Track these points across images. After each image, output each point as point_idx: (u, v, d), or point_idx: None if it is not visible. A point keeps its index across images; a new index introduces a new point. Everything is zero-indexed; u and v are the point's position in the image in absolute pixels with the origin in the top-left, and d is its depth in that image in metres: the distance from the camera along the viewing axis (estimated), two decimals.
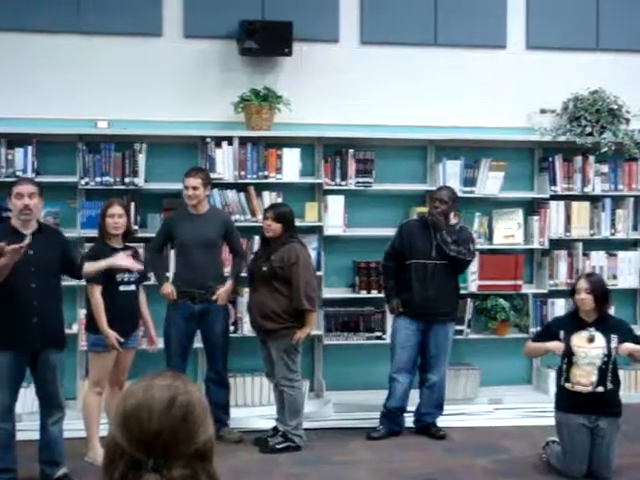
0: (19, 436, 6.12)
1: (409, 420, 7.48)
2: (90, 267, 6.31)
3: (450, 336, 7.47)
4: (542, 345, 6.61)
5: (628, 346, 6.35)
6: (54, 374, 6.06)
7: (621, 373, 6.58)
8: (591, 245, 8.66)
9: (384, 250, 7.56)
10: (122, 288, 6.63)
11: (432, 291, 7.26)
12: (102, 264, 6.29)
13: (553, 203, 8.53)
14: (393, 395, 7.35)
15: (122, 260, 6.35)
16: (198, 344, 7.45)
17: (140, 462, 1.95)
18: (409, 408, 7.47)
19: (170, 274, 7.49)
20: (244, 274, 7.42)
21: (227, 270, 7.51)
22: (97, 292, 6.53)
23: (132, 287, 6.70)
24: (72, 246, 6.58)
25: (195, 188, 7.13)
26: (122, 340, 6.56)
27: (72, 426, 6.58)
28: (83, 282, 6.76)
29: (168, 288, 7.18)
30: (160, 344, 7.21)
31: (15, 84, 7.89)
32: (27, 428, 6.39)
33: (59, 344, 6.12)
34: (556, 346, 6.46)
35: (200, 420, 2.04)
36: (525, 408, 8.09)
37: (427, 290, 7.27)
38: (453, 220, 7.55)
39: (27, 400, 6.85)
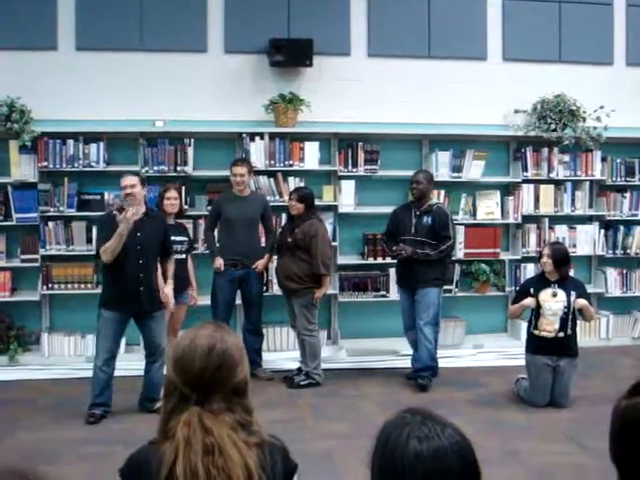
0: (117, 373, 6.24)
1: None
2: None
3: (433, 299, 6.99)
4: (519, 304, 6.60)
5: (581, 301, 6.41)
6: (160, 328, 6.19)
7: (578, 322, 6.58)
8: (555, 220, 8.67)
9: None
10: (175, 257, 6.66)
11: (413, 264, 6.94)
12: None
13: (525, 186, 8.54)
14: (412, 346, 7.22)
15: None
16: (238, 301, 7.50)
17: (188, 396, 1.98)
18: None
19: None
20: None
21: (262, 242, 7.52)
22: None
23: (182, 256, 6.73)
24: (169, 231, 6.39)
25: (242, 175, 7.19)
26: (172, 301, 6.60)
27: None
28: None
29: (217, 263, 7.20)
30: (200, 302, 7.27)
31: (89, 92, 7.93)
32: (120, 367, 6.42)
33: (160, 306, 6.20)
34: (530, 302, 6.49)
35: (235, 364, 2.02)
36: (501, 352, 8.14)
37: (409, 263, 6.98)
38: (433, 200, 7.30)
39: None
